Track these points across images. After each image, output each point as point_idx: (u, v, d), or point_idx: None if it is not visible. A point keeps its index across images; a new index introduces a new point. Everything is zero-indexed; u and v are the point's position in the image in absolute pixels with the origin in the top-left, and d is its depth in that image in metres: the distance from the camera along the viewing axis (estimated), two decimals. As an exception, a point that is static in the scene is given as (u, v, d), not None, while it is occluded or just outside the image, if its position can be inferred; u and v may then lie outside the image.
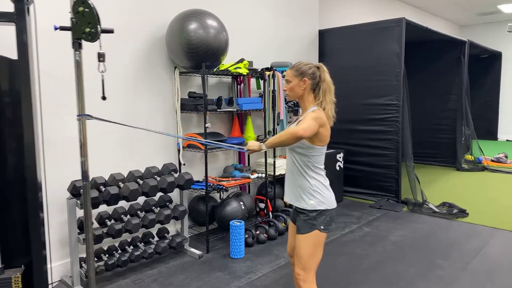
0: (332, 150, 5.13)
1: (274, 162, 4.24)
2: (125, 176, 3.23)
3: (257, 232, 3.84)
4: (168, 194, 3.41)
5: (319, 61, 5.41)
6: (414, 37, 6.06)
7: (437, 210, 4.77)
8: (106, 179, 3.09)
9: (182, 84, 3.82)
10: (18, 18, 1.71)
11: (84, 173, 2.01)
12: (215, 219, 3.82)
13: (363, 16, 7.21)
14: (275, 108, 4.12)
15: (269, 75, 4.11)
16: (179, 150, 3.76)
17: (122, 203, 3.30)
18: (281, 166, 4.39)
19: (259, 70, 4.09)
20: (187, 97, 3.70)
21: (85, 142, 2.00)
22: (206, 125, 3.48)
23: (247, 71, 3.89)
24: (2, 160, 1.87)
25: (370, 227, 4.25)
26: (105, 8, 3.22)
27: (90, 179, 3.05)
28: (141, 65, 3.52)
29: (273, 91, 4.08)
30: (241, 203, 3.82)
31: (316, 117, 1.97)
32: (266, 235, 3.85)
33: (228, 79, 4.28)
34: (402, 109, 4.98)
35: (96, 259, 3.06)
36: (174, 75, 3.71)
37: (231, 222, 3.51)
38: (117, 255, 3.12)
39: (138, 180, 3.20)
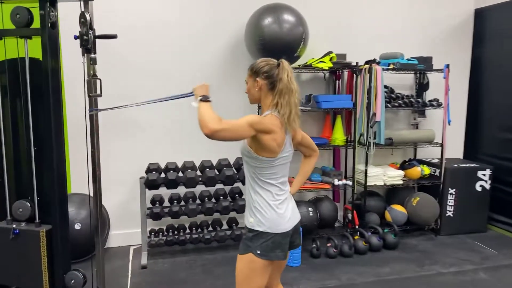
0: (471, 165, 4.02)
1: (366, 170, 3.69)
2: (195, 165, 3.55)
3: (328, 244, 3.48)
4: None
5: (474, 49, 4.29)
6: None
7: None
8: (177, 165, 3.49)
9: (267, 80, 3.80)
10: (42, 32, 2.20)
11: (96, 161, 2.39)
12: (282, 220, 3.68)
13: None
14: (370, 107, 3.56)
15: (364, 70, 3.58)
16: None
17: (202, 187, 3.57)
18: (377, 176, 3.77)
19: (352, 64, 3.61)
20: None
21: (97, 133, 2.38)
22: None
23: (331, 65, 3.51)
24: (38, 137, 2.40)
25: (489, 274, 3.17)
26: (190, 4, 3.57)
27: (164, 165, 3.51)
28: (222, 62, 3.72)
29: (369, 88, 3.53)
30: (310, 209, 3.54)
31: (253, 121, 1.67)
32: (336, 250, 3.45)
33: (321, 74, 3.96)
34: None
35: (161, 233, 3.52)
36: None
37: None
38: (181, 234, 3.48)
39: (207, 169, 3.44)
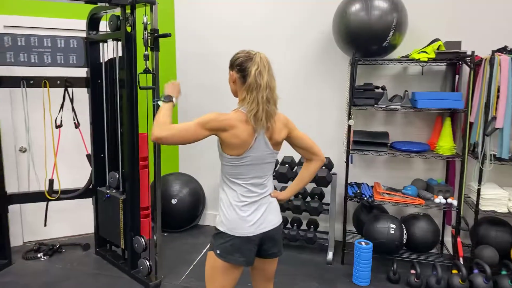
0: None
1: (479, 189, 2.87)
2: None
3: (412, 271, 2.92)
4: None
5: None
6: None
7: None
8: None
9: (364, 74, 3.41)
10: (121, 34, 2.68)
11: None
12: (362, 230, 3.27)
13: None
14: (488, 109, 2.75)
15: (485, 61, 2.77)
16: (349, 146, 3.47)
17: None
18: (498, 200, 2.88)
19: (467, 53, 2.85)
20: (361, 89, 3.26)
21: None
22: (349, 121, 3.05)
23: (433, 56, 2.85)
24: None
25: None
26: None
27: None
28: (312, 58, 3.56)
29: (489, 83, 2.72)
30: (392, 225, 3.02)
31: (204, 121, 1.59)
32: (417, 280, 2.86)
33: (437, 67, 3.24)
34: None
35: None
36: (350, 64, 3.40)
37: (356, 241, 2.97)
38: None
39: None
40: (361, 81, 3.37)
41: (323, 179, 3.22)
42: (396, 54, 3.12)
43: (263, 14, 3.66)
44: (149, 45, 2.56)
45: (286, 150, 3.43)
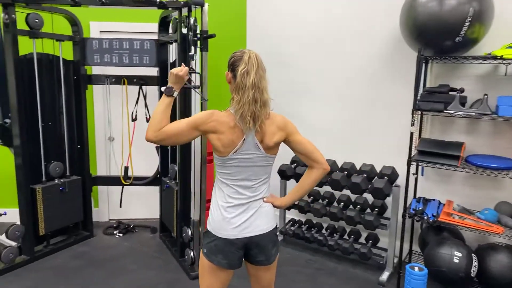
0: None
1: None
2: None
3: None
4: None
5: None
6: None
7: None
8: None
9: (442, 75, 2.94)
10: (177, 35, 2.86)
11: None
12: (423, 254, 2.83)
13: None
14: None
15: None
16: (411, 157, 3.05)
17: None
18: None
19: None
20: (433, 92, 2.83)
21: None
22: (411, 128, 2.67)
23: (521, 53, 2.29)
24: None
25: None
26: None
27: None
28: (385, 54, 3.20)
29: None
30: (457, 253, 2.54)
31: (195, 123, 1.58)
32: (483, 323, 2.37)
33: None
34: None
35: (297, 224, 3.57)
36: (428, 63, 2.96)
37: (407, 266, 2.60)
38: (312, 231, 3.42)
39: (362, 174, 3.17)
40: (438, 82, 2.92)
41: (379, 191, 2.90)
42: (479, 50, 2.61)
43: (335, 11, 3.45)
44: (198, 45, 2.66)
45: (371, 158, 3.20)
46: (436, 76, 2.98)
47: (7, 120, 2.99)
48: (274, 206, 1.75)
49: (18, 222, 3.06)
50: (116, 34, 3.63)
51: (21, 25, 2.95)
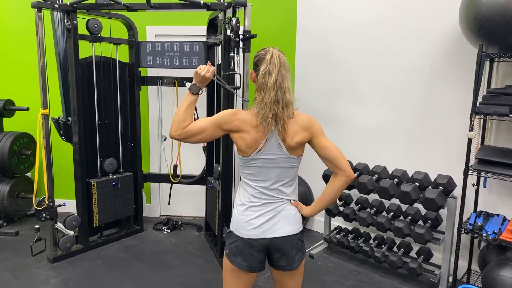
0: None
1: None
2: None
3: None
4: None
5: None
6: None
7: None
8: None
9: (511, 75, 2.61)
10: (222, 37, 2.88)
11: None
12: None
13: None
14: None
15: None
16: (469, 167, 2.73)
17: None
18: None
19: None
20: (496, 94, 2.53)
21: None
22: (469, 133, 2.39)
23: None
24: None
25: None
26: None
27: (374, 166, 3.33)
28: (444, 52, 2.92)
29: None
30: (520, 277, 2.22)
31: (220, 122, 1.57)
32: None
33: None
34: None
35: (343, 232, 3.40)
36: (493, 61, 2.64)
37: (460, 286, 2.34)
38: (359, 241, 3.23)
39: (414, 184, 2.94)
40: (506, 83, 2.60)
41: (431, 202, 2.65)
42: (555, 45, 2.27)
43: (387, 14, 3.24)
44: (240, 46, 2.65)
45: (427, 166, 3.00)
46: (504, 76, 2.66)
47: (70, 118, 3.24)
48: (302, 215, 1.67)
49: (75, 213, 3.30)
50: (170, 37, 3.77)
51: (82, 30, 3.18)
